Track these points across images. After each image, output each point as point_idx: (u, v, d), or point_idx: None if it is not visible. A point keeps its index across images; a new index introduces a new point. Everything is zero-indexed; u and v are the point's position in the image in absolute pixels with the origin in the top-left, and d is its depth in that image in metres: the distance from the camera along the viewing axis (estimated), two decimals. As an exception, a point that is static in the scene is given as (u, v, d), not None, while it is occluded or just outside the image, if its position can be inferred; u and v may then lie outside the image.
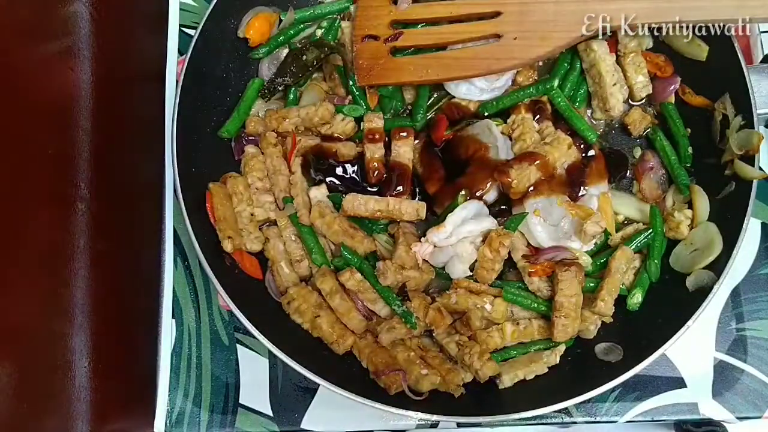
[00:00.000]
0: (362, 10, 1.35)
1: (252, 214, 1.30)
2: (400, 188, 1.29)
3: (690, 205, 1.28)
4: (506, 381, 1.22)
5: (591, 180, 1.30)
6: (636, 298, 1.26)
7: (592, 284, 1.25)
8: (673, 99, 1.36)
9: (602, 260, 1.27)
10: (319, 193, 1.30)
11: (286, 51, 1.40)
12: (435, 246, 1.25)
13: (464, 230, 1.23)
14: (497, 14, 1.24)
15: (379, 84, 1.34)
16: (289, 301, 1.25)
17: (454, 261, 1.25)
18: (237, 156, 1.37)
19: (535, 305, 1.25)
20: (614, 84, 1.31)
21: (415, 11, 1.31)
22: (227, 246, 1.23)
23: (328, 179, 1.32)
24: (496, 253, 1.21)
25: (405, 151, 1.32)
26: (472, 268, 1.26)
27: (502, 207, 1.32)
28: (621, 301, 1.25)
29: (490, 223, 1.25)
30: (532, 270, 1.23)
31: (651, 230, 1.27)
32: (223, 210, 1.26)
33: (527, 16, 1.22)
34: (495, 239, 1.21)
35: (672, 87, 1.34)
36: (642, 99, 1.37)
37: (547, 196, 1.26)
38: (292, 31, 1.40)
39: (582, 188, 1.29)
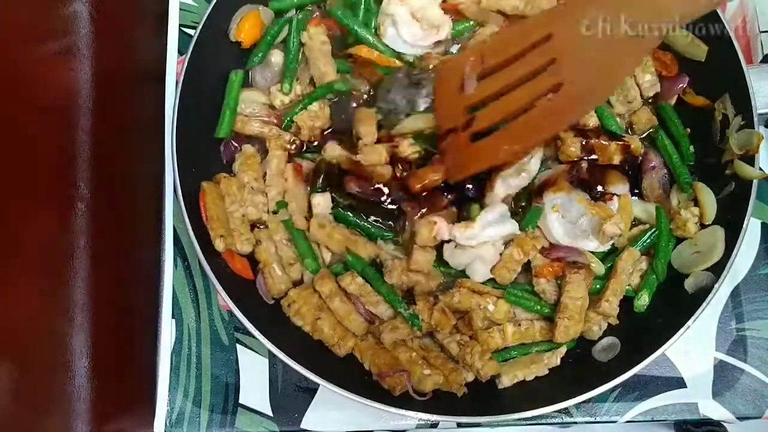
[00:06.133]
0: (438, 102, 1.31)
1: (243, 215, 1.29)
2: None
3: (696, 203, 1.27)
4: (505, 381, 1.22)
5: (611, 180, 1.28)
6: (643, 300, 1.25)
7: (597, 285, 1.25)
8: (674, 99, 1.36)
9: (608, 264, 1.27)
10: (323, 200, 1.29)
11: (277, 55, 1.38)
12: (456, 244, 1.24)
13: (486, 234, 1.22)
14: (553, 62, 1.15)
15: (468, 175, 1.27)
16: (289, 303, 1.25)
17: (476, 263, 1.24)
18: (225, 159, 1.35)
19: (538, 308, 1.25)
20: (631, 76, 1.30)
21: (483, 90, 1.23)
22: (218, 245, 1.22)
23: (334, 194, 1.30)
24: (525, 255, 1.22)
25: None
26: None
27: (521, 205, 1.31)
28: (621, 301, 1.25)
29: (511, 226, 1.24)
30: (542, 269, 1.23)
31: (655, 230, 1.27)
32: (216, 209, 1.25)
33: (580, 53, 1.12)
34: (528, 242, 1.22)
35: (679, 86, 1.34)
36: (650, 98, 1.36)
37: (567, 192, 1.25)
38: (275, 29, 1.37)
39: (601, 187, 1.28)
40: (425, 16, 1.31)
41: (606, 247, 1.26)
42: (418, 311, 1.23)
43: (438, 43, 1.36)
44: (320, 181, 1.30)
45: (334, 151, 1.30)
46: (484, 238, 1.22)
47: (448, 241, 1.25)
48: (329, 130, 1.37)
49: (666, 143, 1.32)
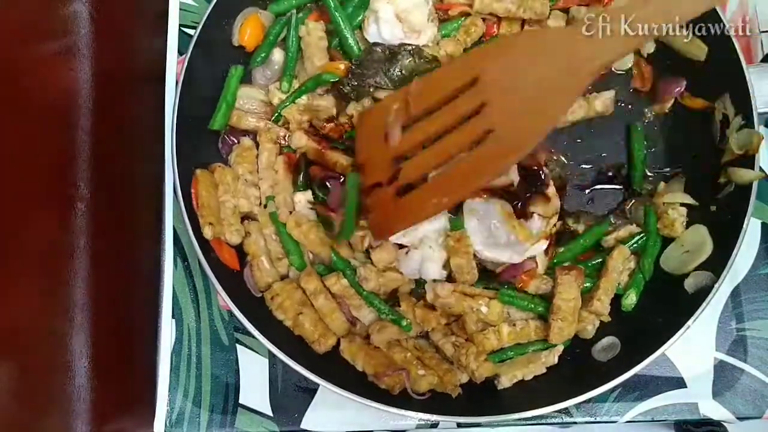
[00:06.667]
0: (361, 155, 1.22)
1: (235, 206, 1.29)
2: None
3: (683, 204, 1.28)
4: (505, 382, 1.22)
5: (535, 200, 1.19)
6: (630, 299, 1.26)
7: (587, 284, 1.25)
8: (671, 102, 1.36)
9: (597, 260, 1.28)
10: (304, 198, 1.29)
11: (278, 53, 1.38)
12: (406, 250, 1.22)
13: (420, 232, 1.21)
14: (482, 107, 1.08)
15: (397, 232, 1.19)
16: (272, 296, 1.25)
17: (425, 264, 1.21)
18: (224, 155, 1.36)
19: (532, 306, 1.25)
20: None
21: (409, 139, 1.15)
22: (207, 232, 1.23)
23: (316, 189, 1.30)
24: (465, 255, 1.19)
25: None
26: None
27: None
28: (620, 301, 1.26)
29: (444, 221, 1.21)
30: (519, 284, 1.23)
31: (643, 233, 1.28)
32: (208, 197, 1.25)
33: (510, 96, 1.06)
34: (457, 247, 1.18)
35: (677, 89, 1.34)
36: None
37: (485, 200, 1.18)
38: (276, 29, 1.37)
39: (522, 204, 1.19)
40: (408, 18, 1.29)
41: (518, 259, 1.20)
42: (402, 312, 1.23)
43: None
44: (301, 177, 1.31)
45: (300, 140, 1.30)
46: (419, 235, 1.21)
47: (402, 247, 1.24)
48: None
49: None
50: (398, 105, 1.16)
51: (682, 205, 1.28)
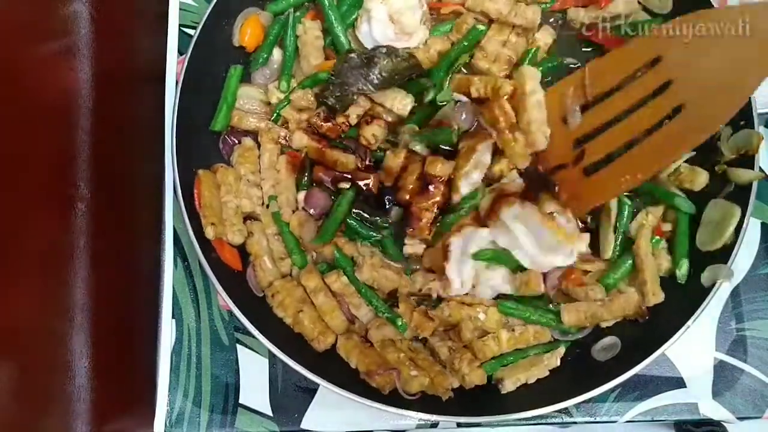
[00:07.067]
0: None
1: (237, 206, 1.29)
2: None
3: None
4: (509, 386, 1.21)
5: (543, 200, 1.19)
6: (684, 268, 1.22)
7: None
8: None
9: (629, 261, 1.24)
10: None
11: (276, 53, 1.38)
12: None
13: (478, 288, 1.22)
14: (668, 84, 1.09)
15: (592, 207, 1.23)
16: (273, 294, 1.25)
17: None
18: (225, 155, 1.36)
19: (535, 318, 1.24)
20: None
21: (591, 121, 1.17)
22: (209, 233, 1.23)
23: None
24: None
25: None
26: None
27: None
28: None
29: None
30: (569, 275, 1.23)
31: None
32: (210, 197, 1.26)
33: (701, 72, 1.06)
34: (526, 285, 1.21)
35: None
36: None
37: (520, 204, 1.17)
38: (276, 29, 1.37)
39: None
40: (401, 20, 1.29)
41: (570, 261, 1.19)
42: (400, 313, 1.23)
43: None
44: (305, 177, 1.31)
45: (301, 140, 1.30)
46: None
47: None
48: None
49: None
50: (574, 88, 1.18)
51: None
